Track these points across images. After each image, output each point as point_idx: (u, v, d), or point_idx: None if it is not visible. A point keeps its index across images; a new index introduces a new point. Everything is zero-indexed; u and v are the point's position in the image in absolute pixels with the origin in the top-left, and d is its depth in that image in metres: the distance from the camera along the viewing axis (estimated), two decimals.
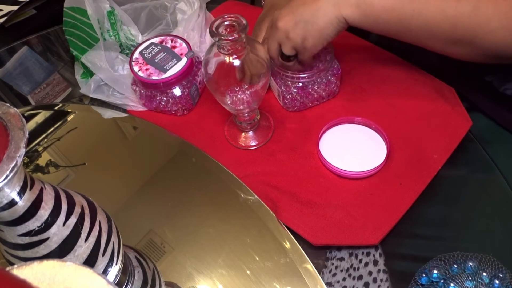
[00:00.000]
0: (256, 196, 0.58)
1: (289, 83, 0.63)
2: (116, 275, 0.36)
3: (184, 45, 0.68)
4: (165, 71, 0.65)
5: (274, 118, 0.66)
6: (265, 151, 0.63)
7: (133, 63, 0.67)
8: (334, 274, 0.53)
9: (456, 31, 0.51)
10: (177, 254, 0.56)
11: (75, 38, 0.72)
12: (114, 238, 0.36)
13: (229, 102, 0.58)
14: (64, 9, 0.73)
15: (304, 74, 0.64)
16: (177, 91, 0.66)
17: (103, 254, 0.34)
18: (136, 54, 0.68)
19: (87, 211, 0.34)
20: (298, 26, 0.55)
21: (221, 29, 0.50)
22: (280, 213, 0.57)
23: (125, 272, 0.39)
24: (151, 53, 0.67)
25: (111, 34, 0.74)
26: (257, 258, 0.54)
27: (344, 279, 0.53)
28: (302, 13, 0.54)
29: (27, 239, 0.31)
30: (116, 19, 0.74)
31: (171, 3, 0.77)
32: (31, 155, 0.69)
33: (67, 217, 0.32)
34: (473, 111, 0.65)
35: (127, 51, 0.75)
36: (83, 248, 0.33)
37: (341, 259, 0.54)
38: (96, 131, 0.71)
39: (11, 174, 0.27)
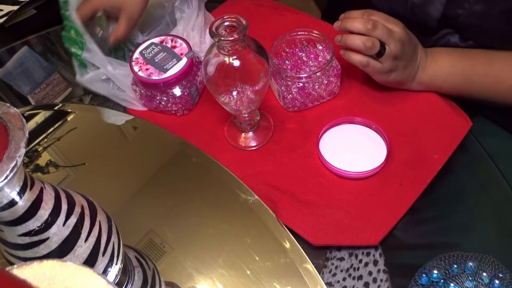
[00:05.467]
0: (256, 196, 0.58)
1: (289, 83, 0.63)
2: (116, 275, 0.36)
3: (184, 45, 0.68)
4: (165, 71, 0.65)
5: (274, 118, 0.66)
6: (265, 151, 0.63)
7: (133, 63, 0.67)
8: (334, 274, 0.53)
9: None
10: (177, 254, 0.56)
11: (73, 33, 0.71)
12: (114, 238, 0.36)
13: (228, 103, 0.58)
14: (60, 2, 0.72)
15: (304, 74, 0.64)
16: (177, 91, 0.66)
17: (103, 254, 0.34)
18: (136, 54, 0.68)
19: (87, 211, 0.34)
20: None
21: (221, 30, 0.50)
22: (280, 213, 0.57)
23: (125, 272, 0.39)
24: (151, 53, 0.67)
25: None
26: (257, 258, 0.54)
27: (344, 279, 0.53)
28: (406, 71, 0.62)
29: (27, 239, 0.31)
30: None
31: (169, 3, 0.77)
32: (31, 155, 0.69)
33: (67, 217, 0.32)
34: (473, 112, 0.65)
35: (127, 50, 0.75)
36: (83, 248, 0.33)
37: (341, 259, 0.54)
38: (96, 131, 0.71)
39: (11, 174, 0.27)
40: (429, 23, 0.62)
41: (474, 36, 0.62)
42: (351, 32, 0.58)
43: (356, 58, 0.59)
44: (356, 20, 0.57)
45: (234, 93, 0.56)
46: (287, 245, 0.54)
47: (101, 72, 0.69)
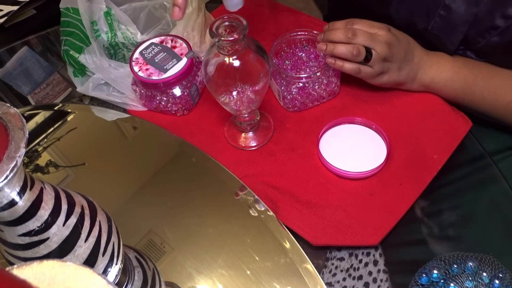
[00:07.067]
0: (256, 196, 0.58)
1: (289, 83, 0.63)
2: (116, 275, 0.36)
3: (184, 45, 0.68)
4: (165, 71, 0.65)
5: (274, 118, 0.66)
6: (265, 152, 0.63)
7: (133, 63, 0.67)
8: (334, 274, 0.53)
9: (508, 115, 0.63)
10: (177, 254, 0.56)
11: (73, 38, 0.72)
12: (114, 238, 0.36)
13: (228, 103, 0.58)
14: (61, 9, 0.72)
15: (304, 74, 0.64)
16: (177, 91, 0.66)
17: (103, 254, 0.35)
18: (136, 54, 0.68)
19: (87, 211, 0.34)
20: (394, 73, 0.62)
21: (221, 30, 0.50)
22: (280, 213, 0.57)
23: (125, 272, 0.39)
24: (151, 53, 0.67)
25: (109, 36, 0.73)
26: (257, 258, 0.54)
27: (344, 279, 0.53)
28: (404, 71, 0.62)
29: (27, 239, 0.31)
30: (113, 19, 0.73)
31: (171, 3, 0.77)
32: (31, 155, 0.69)
33: (67, 217, 0.32)
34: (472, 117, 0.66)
35: (126, 50, 0.75)
36: (83, 248, 0.33)
37: (341, 259, 0.54)
38: (96, 131, 0.71)
39: (11, 174, 0.27)
40: (447, 46, 0.63)
41: (489, 60, 0.63)
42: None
43: (348, 66, 0.60)
44: (338, 31, 0.59)
45: (234, 93, 0.56)
46: (287, 245, 0.54)
47: (98, 77, 0.69)
